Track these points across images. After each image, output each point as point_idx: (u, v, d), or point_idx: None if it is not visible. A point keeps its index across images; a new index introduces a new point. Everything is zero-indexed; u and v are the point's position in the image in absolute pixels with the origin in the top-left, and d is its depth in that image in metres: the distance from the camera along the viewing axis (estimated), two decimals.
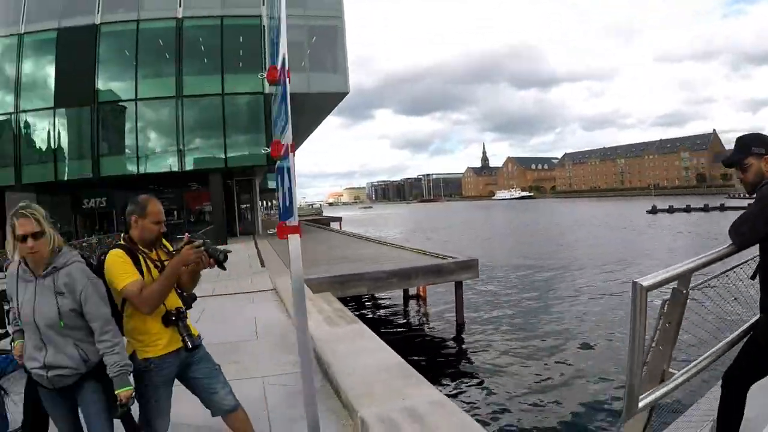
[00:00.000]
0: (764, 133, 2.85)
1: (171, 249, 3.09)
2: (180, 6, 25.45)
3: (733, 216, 2.94)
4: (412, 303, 17.47)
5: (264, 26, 25.07)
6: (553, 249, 32.91)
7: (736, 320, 2.98)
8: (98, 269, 2.83)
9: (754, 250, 2.76)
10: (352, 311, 8.83)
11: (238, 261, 17.18)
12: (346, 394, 4.38)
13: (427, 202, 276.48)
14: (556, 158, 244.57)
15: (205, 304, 8.88)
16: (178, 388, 3.14)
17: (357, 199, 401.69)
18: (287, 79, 2.91)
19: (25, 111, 26.06)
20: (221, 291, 10.93)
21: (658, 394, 2.48)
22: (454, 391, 9.58)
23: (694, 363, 2.71)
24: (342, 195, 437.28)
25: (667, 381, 2.54)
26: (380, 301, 17.84)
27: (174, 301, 2.99)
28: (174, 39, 25.46)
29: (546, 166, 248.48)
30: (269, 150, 3.01)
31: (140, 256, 2.91)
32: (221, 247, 3.02)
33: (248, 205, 31.78)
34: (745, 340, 2.84)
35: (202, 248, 2.90)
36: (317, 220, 51.40)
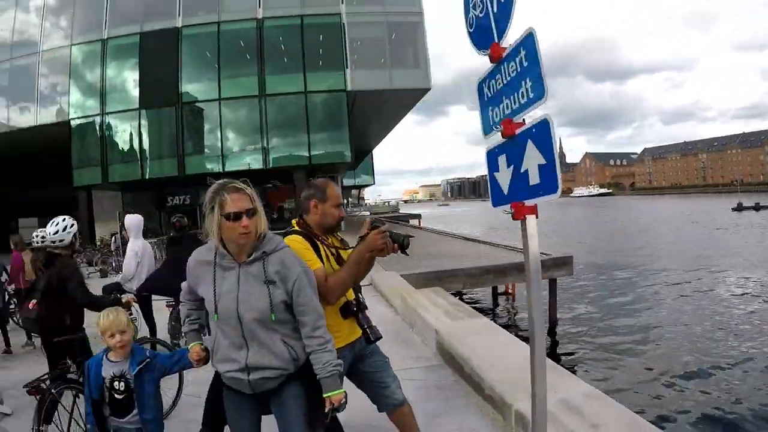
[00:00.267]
0: None
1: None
2: (260, 7, 25.58)
3: None
4: (501, 300, 17.28)
5: (344, 24, 24.87)
6: (638, 247, 32.45)
7: None
8: None
9: None
10: None
11: None
12: (493, 388, 4.20)
13: None
14: (635, 153, 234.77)
15: None
16: None
17: (433, 197, 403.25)
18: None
19: (110, 113, 27.06)
20: None
21: None
22: None
23: None
24: (418, 192, 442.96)
25: None
26: (468, 299, 17.38)
27: (350, 291, 2.88)
28: (255, 39, 25.65)
29: (625, 162, 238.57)
30: (497, 128, 2.84)
31: (318, 243, 2.79)
32: (401, 233, 2.84)
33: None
34: None
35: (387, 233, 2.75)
36: (395, 218, 50.86)
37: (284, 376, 2.35)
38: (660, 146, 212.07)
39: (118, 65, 27.42)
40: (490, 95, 3.02)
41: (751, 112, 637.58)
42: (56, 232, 4.22)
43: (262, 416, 2.52)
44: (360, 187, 61.31)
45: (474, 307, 15.95)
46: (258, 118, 25.56)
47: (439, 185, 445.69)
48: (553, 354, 11.82)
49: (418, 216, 55.50)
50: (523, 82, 2.62)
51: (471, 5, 2.99)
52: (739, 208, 64.03)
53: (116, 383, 2.80)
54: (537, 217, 2.68)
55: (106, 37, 26.94)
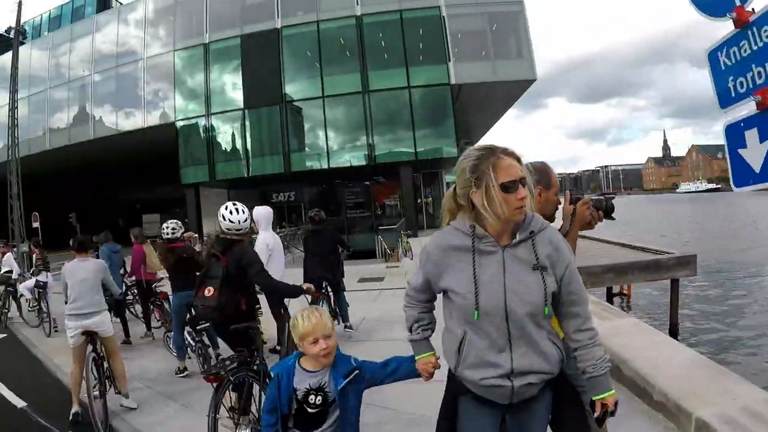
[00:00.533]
0: None
1: None
2: (358, 4, 25.68)
3: None
4: (616, 301, 16.51)
5: (444, 16, 24.61)
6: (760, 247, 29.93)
7: None
8: None
9: None
10: None
11: None
12: (665, 394, 3.87)
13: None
14: None
15: None
16: None
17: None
18: None
19: (215, 113, 27.96)
20: None
21: None
22: None
23: None
24: None
25: None
26: None
27: None
28: (355, 36, 25.72)
29: None
30: (746, 99, 2.63)
31: None
32: (594, 197, 2.68)
33: (430, 199, 31.41)
34: None
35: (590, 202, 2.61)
36: None
37: (544, 382, 2.02)
38: None
39: (220, 67, 28.29)
40: (730, 63, 2.75)
41: None
42: (246, 220, 4.26)
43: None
44: None
45: None
46: (362, 115, 25.57)
47: None
48: None
49: None
50: None
51: None
52: None
53: (311, 397, 2.34)
54: None
55: (207, 41, 27.87)
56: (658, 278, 13.03)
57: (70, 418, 4.78)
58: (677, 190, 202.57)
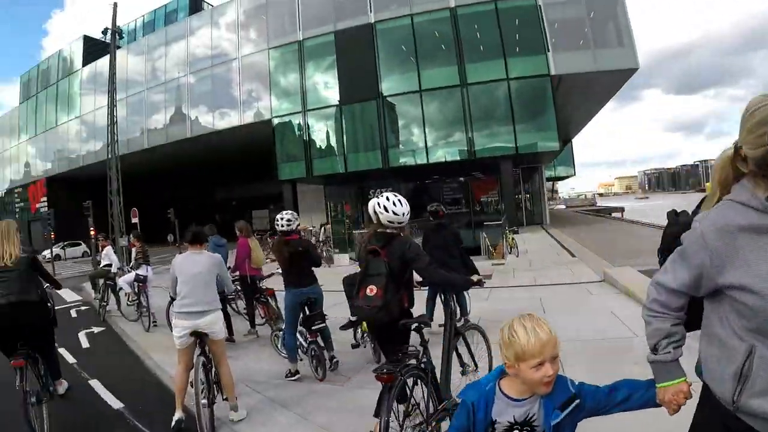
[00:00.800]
0: None
1: None
2: None
3: None
4: None
5: (540, 5, 24.16)
6: None
7: None
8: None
9: None
10: None
11: (540, 250, 16.99)
12: None
13: (704, 191, 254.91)
14: None
15: (538, 293, 8.44)
16: None
17: (629, 189, 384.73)
18: None
19: (310, 110, 28.49)
20: (544, 280, 10.46)
21: None
22: None
23: None
24: (613, 185, 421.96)
25: None
26: None
27: None
28: (450, 28, 25.63)
29: None
30: None
31: None
32: None
33: (528, 195, 30.98)
34: None
35: None
36: (597, 210, 49.45)
37: None
38: None
39: (315, 64, 28.90)
40: None
41: None
42: (408, 212, 3.87)
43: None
44: (559, 179, 59.52)
45: None
46: (460, 108, 25.40)
47: (635, 176, 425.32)
48: None
49: (621, 209, 53.76)
50: None
51: None
52: None
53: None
54: None
55: (301, 38, 28.53)
56: None
57: (173, 425, 4.46)
58: None
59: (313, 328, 5.55)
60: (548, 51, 24.04)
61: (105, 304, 10.68)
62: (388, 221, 3.80)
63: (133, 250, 10.57)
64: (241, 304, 8.74)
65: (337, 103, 27.80)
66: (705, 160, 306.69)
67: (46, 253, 26.23)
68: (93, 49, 40.28)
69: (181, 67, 34.05)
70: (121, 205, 23.77)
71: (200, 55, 33.35)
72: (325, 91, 28.61)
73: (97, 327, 9.78)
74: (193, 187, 46.81)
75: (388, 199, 3.86)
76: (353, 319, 5.65)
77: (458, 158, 25.91)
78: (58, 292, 12.10)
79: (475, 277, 4.22)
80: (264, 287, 7.84)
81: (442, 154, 26.43)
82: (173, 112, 34.52)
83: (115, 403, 5.30)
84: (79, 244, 37.89)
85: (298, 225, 6.23)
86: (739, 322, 1.52)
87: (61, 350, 6.74)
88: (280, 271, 6.14)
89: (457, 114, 25.57)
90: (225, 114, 31.81)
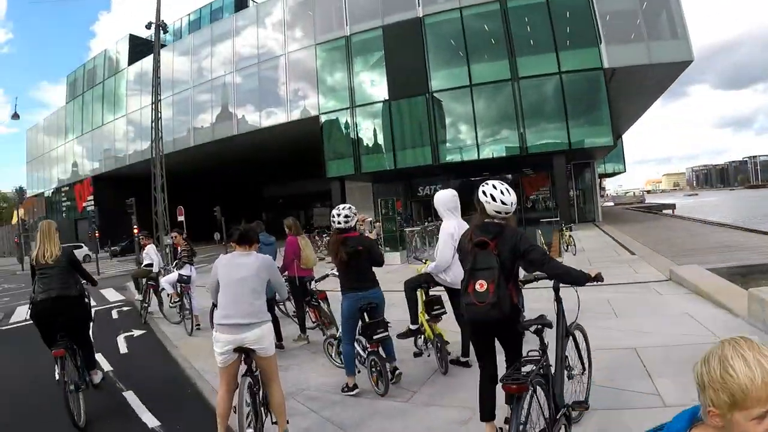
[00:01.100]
0: None
1: None
2: None
3: None
4: None
5: None
6: None
7: None
8: None
9: None
10: None
11: (598, 248, 16.68)
12: None
13: (754, 188, 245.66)
14: None
15: (603, 293, 7.91)
16: None
17: (677, 186, 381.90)
18: None
19: (359, 106, 28.71)
20: (607, 279, 10.10)
21: None
22: None
23: None
24: (660, 182, 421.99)
25: None
26: None
27: None
28: (500, 22, 25.51)
29: None
30: None
31: None
32: None
33: (579, 191, 30.61)
34: None
35: None
36: (647, 207, 48.82)
37: None
38: None
39: (363, 59, 29.14)
40: None
41: None
42: (515, 201, 3.63)
43: None
44: (608, 176, 58.62)
45: None
46: (512, 103, 25.28)
47: (683, 173, 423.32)
48: None
49: (672, 206, 52.97)
50: None
51: None
52: None
53: None
54: None
55: (349, 34, 28.74)
56: None
57: None
58: None
59: (374, 337, 4.97)
60: (600, 44, 23.73)
61: (147, 305, 10.46)
62: (495, 211, 3.57)
63: (178, 248, 10.20)
64: (290, 306, 8.30)
65: (386, 99, 27.91)
66: (754, 156, 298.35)
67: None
68: (139, 48, 41.26)
69: (227, 66, 34.64)
70: (165, 202, 23.35)
71: (246, 53, 33.85)
72: (372, 88, 28.80)
73: (137, 330, 9.52)
74: (239, 185, 47.52)
75: (495, 187, 3.64)
76: (413, 327, 5.56)
77: (510, 154, 25.81)
78: (101, 291, 11.75)
79: (593, 272, 3.82)
80: (315, 290, 7.43)
81: (493, 149, 26.35)
82: (219, 111, 35.12)
83: (151, 421, 4.86)
84: (80, 247, 34.16)
85: (357, 221, 5.74)
86: None
87: (98, 356, 6.43)
88: (334, 272, 5.59)
89: (509, 108, 25.42)
90: (271, 112, 32.25)
